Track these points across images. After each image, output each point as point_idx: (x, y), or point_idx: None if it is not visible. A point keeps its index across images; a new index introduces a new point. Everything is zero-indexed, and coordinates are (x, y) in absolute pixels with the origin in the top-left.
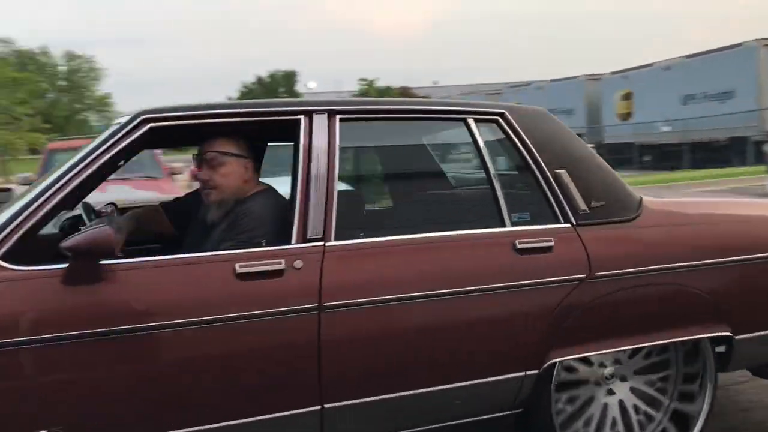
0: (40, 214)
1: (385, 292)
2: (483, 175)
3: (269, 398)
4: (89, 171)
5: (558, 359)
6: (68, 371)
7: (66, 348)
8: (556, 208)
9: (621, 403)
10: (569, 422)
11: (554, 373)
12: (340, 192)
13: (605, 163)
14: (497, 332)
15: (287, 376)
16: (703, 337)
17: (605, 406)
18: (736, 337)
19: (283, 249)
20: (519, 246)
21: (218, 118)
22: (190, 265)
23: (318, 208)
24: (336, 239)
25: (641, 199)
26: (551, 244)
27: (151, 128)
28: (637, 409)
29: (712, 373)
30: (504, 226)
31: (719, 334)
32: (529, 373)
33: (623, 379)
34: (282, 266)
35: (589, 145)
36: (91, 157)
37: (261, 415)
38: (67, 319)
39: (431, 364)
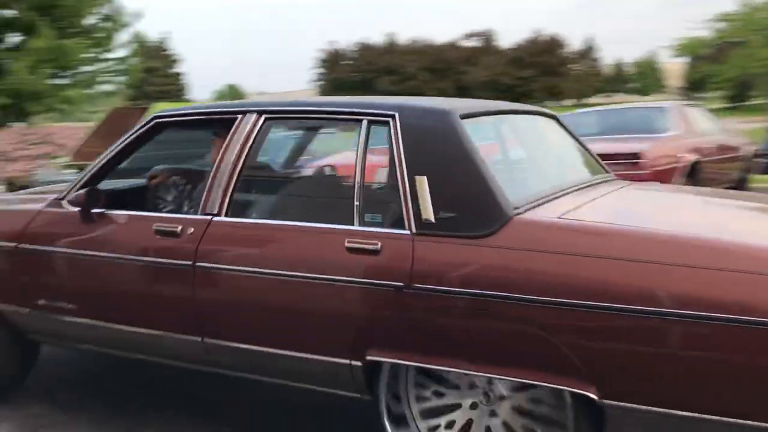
0: (86, 177)
1: (242, 263)
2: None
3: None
4: (120, 148)
5: (377, 358)
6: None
7: (91, 262)
8: (404, 214)
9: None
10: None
11: (382, 370)
12: (242, 178)
13: (485, 175)
14: (324, 318)
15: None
16: (560, 389)
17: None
18: (606, 402)
19: (184, 217)
20: (347, 245)
21: (198, 116)
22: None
23: (218, 190)
24: (225, 216)
25: (513, 216)
26: (377, 248)
27: (157, 123)
28: None
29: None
30: (352, 224)
31: (576, 391)
32: (354, 363)
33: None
34: (178, 230)
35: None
36: (124, 141)
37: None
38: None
39: (274, 330)
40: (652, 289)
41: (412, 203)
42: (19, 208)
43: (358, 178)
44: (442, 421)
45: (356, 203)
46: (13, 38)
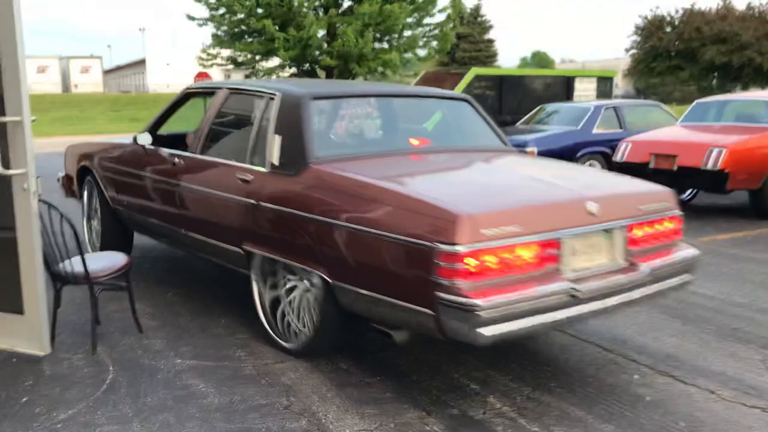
0: (147, 127)
1: (185, 181)
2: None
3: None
4: (164, 110)
5: (247, 248)
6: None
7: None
8: (266, 158)
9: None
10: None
11: (253, 259)
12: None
13: (304, 137)
14: (226, 221)
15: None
16: (312, 271)
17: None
18: (332, 282)
19: (183, 155)
20: (236, 175)
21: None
22: None
23: (197, 140)
24: (197, 153)
25: (309, 164)
26: (250, 179)
27: (188, 92)
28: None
29: (321, 301)
30: (244, 162)
31: (318, 273)
32: (238, 249)
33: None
34: (174, 161)
35: None
36: (167, 106)
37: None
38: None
39: (200, 224)
40: (359, 215)
41: (269, 152)
42: (122, 142)
43: (253, 134)
44: (281, 291)
45: (248, 149)
46: (347, 3)
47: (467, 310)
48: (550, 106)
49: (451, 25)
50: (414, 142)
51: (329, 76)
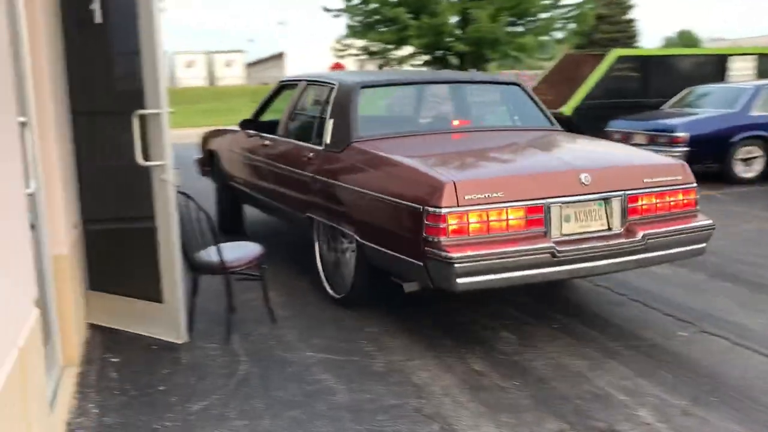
0: (252, 115)
1: (270, 159)
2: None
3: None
4: (264, 100)
5: (309, 215)
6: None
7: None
8: (323, 139)
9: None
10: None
11: (314, 223)
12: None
13: (350, 120)
14: (294, 192)
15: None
16: (346, 231)
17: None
18: (359, 240)
19: (276, 138)
20: (302, 153)
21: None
22: None
23: (281, 125)
24: (280, 136)
25: (351, 143)
26: (311, 156)
27: (282, 85)
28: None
29: (356, 258)
30: (309, 142)
31: (353, 234)
32: (303, 215)
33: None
34: (266, 142)
35: None
36: (266, 96)
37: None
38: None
39: (281, 195)
40: (377, 183)
41: (325, 133)
42: (235, 128)
43: (317, 118)
44: (334, 250)
45: (313, 132)
46: None
47: (446, 262)
48: (701, 88)
49: (591, 5)
50: (455, 122)
51: (462, 62)
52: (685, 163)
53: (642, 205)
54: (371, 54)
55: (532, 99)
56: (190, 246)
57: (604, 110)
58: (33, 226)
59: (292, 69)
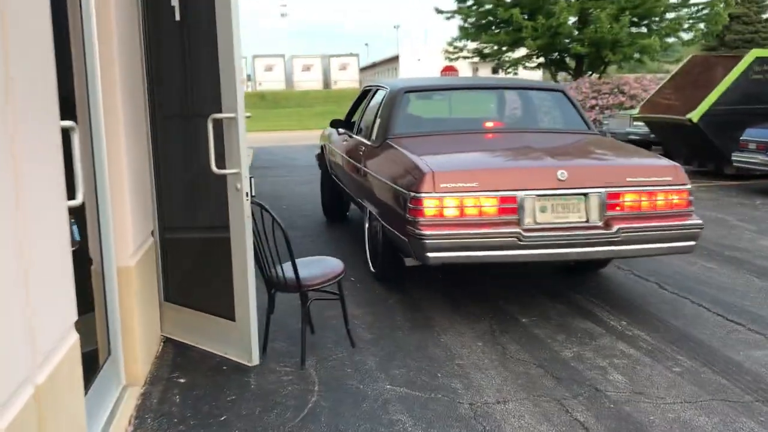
0: (347, 114)
1: (347, 153)
2: None
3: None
4: (353, 103)
5: (360, 201)
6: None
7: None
8: (371, 135)
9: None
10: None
11: (365, 208)
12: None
13: (392, 121)
14: (355, 181)
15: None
16: (376, 216)
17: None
18: (382, 222)
19: (359, 140)
20: (360, 148)
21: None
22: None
23: (356, 124)
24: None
25: (387, 139)
26: (364, 150)
27: (365, 89)
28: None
29: (383, 235)
30: (365, 139)
31: (377, 216)
32: (361, 202)
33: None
34: (353, 144)
35: None
36: (354, 101)
37: None
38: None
39: (349, 184)
40: (391, 173)
41: (374, 130)
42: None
43: (374, 118)
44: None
45: (369, 130)
46: None
47: (420, 238)
48: None
49: (723, 3)
50: (488, 124)
51: (579, 64)
52: (678, 166)
53: (624, 201)
54: (484, 56)
55: (573, 104)
56: (266, 260)
57: (738, 116)
58: (99, 237)
59: (405, 72)
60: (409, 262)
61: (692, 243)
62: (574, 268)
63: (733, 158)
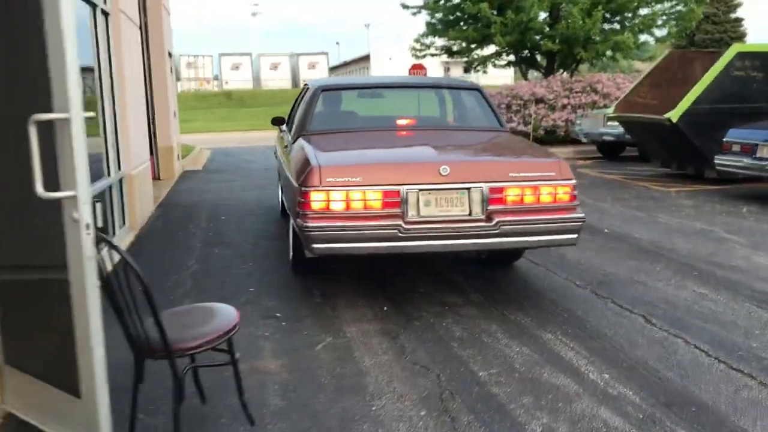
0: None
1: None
2: None
3: None
4: (294, 102)
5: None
6: None
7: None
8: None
9: None
10: None
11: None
12: None
13: (306, 119)
14: (282, 171)
15: None
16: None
17: None
18: (289, 213)
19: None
20: (284, 144)
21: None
22: None
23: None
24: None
25: (300, 135)
26: (286, 145)
27: (304, 86)
28: None
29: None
30: (290, 134)
31: (287, 205)
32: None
33: None
34: None
35: None
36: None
37: None
38: None
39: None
40: (295, 171)
41: (292, 128)
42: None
43: (294, 117)
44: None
45: (291, 128)
46: None
47: (305, 230)
48: None
49: (698, 1)
50: (401, 122)
51: (551, 62)
52: (562, 161)
53: (506, 195)
54: (451, 53)
55: (488, 103)
56: (127, 315)
57: (720, 116)
58: None
59: (377, 71)
60: (307, 254)
61: (574, 236)
62: (485, 262)
63: (715, 161)
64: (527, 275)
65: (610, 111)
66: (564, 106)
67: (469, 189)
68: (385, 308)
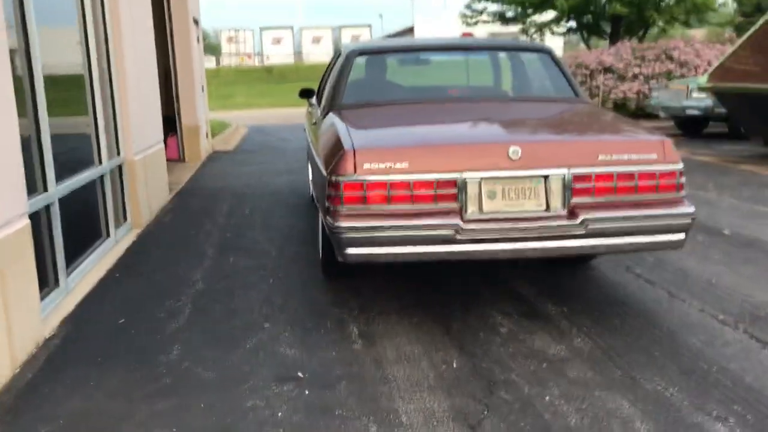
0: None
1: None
2: None
3: None
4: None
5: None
6: None
7: None
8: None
9: None
10: None
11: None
12: None
13: (343, 87)
14: (311, 152)
15: None
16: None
17: None
18: (318, 206)
19: None
20: (312, 120)
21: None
22: None
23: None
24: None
25: (331, 110)
26: (314, 121)
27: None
28: None
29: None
30: (319, 108)
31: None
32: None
33: None
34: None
35: None
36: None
37: None
38: None
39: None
40: (324, 155)
41: (321, 101)
42: None
43: (325, 88)
44: None
45: (321, 101)
46: None
47: (335, 231)
48: None
49: None
50: (456, 92)
51: (616, 28)
52: (666, 140)
53: (594, 185)
54: (506, 20)
55: (559, 67)
56: None
57: None
58: None
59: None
60: (339, 257)
61: (681, 236)
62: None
63: None
64: (643, 302)
65: (702, 80)
66: (635, 76)
67: (546, 177)
68: (454, 363)
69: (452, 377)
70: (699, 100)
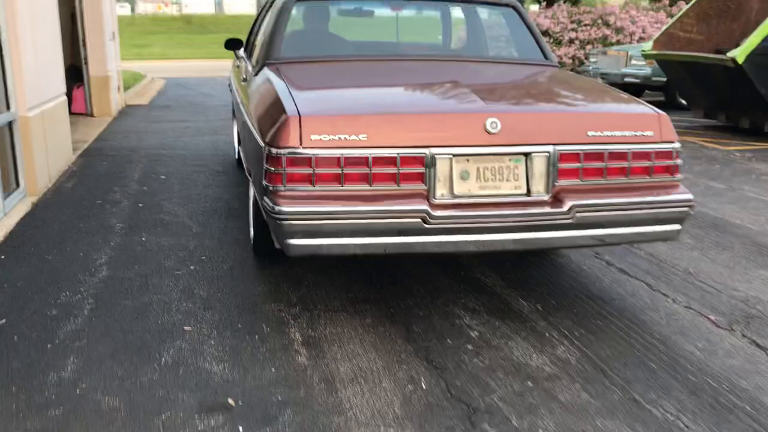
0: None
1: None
2: None
3: None
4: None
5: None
6: None
7: None
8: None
9: None
10: None
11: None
12: None
13: (277, 36)
14: (238, 116)
15: None
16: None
17: None
18: (251, 181)
19: None
20: (242, 76)
21: None
22: None
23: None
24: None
25: (265, 64)
26: (244, 78)
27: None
28: None
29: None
30: (250, 63)
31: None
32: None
33: None
34: None
35: None
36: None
37: None
38: None
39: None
40: (255, 109)
41: (253, 54)
42: None
43: (258, 40)
44: None
45: (252, 54)
46: None
47: (276, 217)
48: None
49: None
50: (409, 49)
51: None
52: (663, 115)
53: (583, 165)
54: None
55: (527, 26)
56: None
57: None
58: None
59: None
60: (276, 244)
61: (677, 227)
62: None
63: None
64: (621, 297)
65: (646, 47)
66: (571, 41)
67: (527, 155)
68: (422, 383)
69: (422, 403)
70: (638, 68)
